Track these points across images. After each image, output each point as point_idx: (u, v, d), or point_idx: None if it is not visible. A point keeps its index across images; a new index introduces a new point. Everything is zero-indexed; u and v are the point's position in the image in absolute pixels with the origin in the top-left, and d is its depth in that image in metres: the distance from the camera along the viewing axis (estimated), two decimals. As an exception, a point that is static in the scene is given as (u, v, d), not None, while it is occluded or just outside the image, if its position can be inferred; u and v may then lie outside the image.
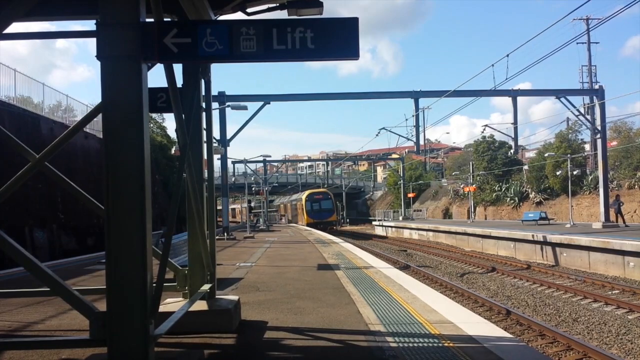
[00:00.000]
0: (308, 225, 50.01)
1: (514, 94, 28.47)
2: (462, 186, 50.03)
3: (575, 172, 31.59)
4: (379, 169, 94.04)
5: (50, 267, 8.60)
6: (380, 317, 6.79)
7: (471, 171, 45.76)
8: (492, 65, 20.96)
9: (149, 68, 4.58)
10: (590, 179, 38.27)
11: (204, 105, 6.92)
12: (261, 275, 11.62)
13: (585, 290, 14.96)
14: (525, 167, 45.75)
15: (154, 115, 39.78)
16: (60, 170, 5.43)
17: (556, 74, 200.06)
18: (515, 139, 29.59)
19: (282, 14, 7.03)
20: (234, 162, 56.45)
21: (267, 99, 28.43)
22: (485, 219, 48.91)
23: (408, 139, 39.57)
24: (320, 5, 6.84)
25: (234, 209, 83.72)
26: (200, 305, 6.27)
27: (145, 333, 4.03)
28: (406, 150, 71.98)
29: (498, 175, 49.24)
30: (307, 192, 55.79)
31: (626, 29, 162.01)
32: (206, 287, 6.36)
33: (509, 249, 26.13)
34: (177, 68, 6.25)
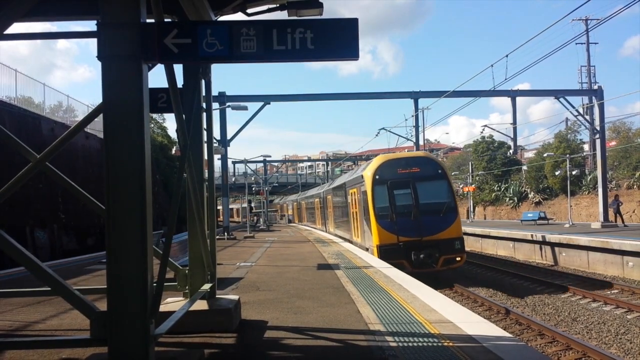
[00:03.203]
0: (381, 250, 16.31)
1: (513, 95, 28.48)
2: (461, 186, 50.07)
3: (574, 172, 31.63)
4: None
5: (51, 267, 8.61)
6: (380, 317, 6.80)
7: (470, 171, 45.83)
8: (492, 65, 20.85)
9: (150, 68, 4.60)
10: (589, 179, 38.32)
11: (204, 105, 6.94)
12: (261, 275, 11.63)
13: (584, 289, 14.98)
14: (525, 167, 45.81)
15: (154, 115, 39.83)
16: (61, 170, 5.44)
17: (555, 75, 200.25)
18: (515, 139, 29.59)
19: (282, 15, 7.05)
20: (234, 162, 56.36)
21: (267, 99, 28.44)
22: (485, 218, 48.96)
23: (408, 139, 39.22)
24: (320, 5, 6.86)
25: (237, 209, 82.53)
26: (201, 305, 6.28)
27: (146, 333, 4.04)
28: (406, 151, 71.87)
29: (497, 175, 49.29)
30: (378, 161, 18.22)
31: (625, 30, 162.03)
32: (206, 286, 6.38)
33: (508, 249, 26.15)
34: (178, 68, 6.27)
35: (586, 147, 42.80)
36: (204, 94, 6.94)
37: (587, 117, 28.81)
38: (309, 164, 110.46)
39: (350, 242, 21.81)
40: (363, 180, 18.06)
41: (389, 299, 8.07)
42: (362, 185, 18.31)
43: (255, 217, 55.90)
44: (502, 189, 48.27)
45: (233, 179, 56.76)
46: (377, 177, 17.13)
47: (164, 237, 5.24)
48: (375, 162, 17.90)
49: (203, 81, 6.87)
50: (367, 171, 17.88)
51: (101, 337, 4.09)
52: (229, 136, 28.89)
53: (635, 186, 35.10)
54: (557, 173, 37.90)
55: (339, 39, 4.31)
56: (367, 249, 17.65)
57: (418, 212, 16.48)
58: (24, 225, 19.38)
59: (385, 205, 16.78)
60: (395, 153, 22.11)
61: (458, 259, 16.64)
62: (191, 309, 5.60)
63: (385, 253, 15.86)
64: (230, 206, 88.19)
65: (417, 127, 29.97)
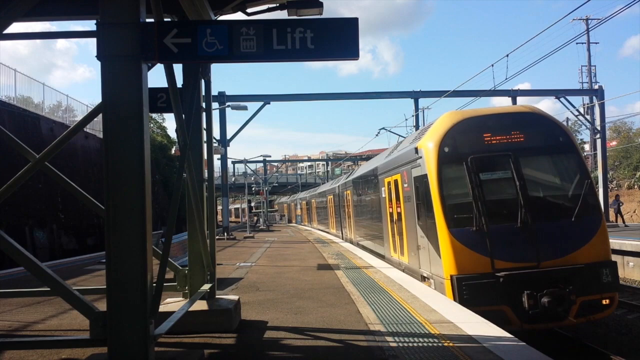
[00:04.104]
0: (462, 286, 8.29)
1: (513, 94, 28.49)
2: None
3: (575, 172, 31.56)
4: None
5: (51, 267, 8.61)
6: (380, 317, 6.79)
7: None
8: (492, 65, 20.87)
9: (149, 68, 4.59)
10: (590, 178, 38.28)
11: (204, 105, 6.93)
12: (261, 275, 11.62)
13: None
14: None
15: (154, 115, 39.85)
16: (61, 170, 5.44)
17: (556, 74, 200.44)
18: (515, 139, 29.49)
19: (282, 14, 7.05)
20: (234, 162, 56.23)
21: (267, 99, 28.49)
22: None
23: (408, 139, 39.09)
24: (320, 5, 6.85)
25: (242, 209, 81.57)
26: (201, 305, 6.28)
27: (146, 333, 4.04)
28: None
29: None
30: (448, 121, 9.68)
31: (625, 29, 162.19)
32: (206, 287, 6.37)
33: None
34: (177, 68, 6.27)
35: (587, 146, 42.82)
36: (203, 93, 6.93)
37: (588, 117, 28.82)
38: (309, 164, 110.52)
39: (385, 259, 13.89)
40: (418, 158, 9.98)
41: (389, 299, 8.06)
42: (414, 166, 10.38)
43: (255, 217, 55.73)
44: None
45: (233, 179, 56.78)
46: (446, 149, 9.31)
47: (164, 237, 5.23)
48: (444, 123, 9.70)
49: (203, 81, 6.86)
50: (428, 140, 9.73)
51: (101, 337, 4.09)
52: (228, 136, 28.92)
53: (635, 186, 35.14)
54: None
55: (339, 39, 4.31)
56: (423, 279, 10.08)
57: (529, 215, 8.70)
58: (23, 225, 19.38)
59: (464, 201, 9.03)
60: (478, 108, 11.02)
61: (606, 301, 8.67)
62: (191, 309, 5.59)
63: (470, 292, 8.32)
64: (235, 206, 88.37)
65: (417, 127, 29.93)
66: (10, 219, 18.10)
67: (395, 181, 12.26)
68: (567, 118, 43.75)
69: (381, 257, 14.60)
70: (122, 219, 4.07)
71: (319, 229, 36.28)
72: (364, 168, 19.67)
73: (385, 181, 13.46)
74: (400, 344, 5.45)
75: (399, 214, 12.06)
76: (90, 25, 8.67)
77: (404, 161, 11.38)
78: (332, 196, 29.27)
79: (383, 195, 13.88)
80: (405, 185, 11.28)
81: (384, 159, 14.38)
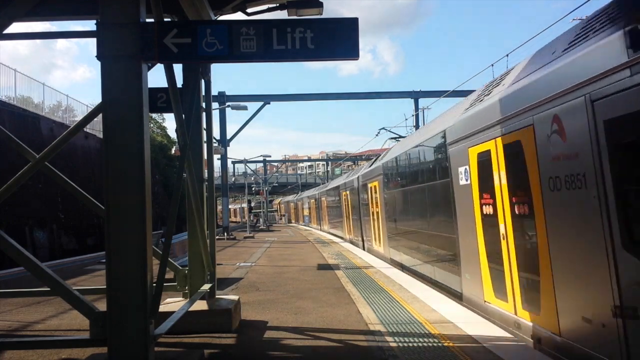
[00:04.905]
0: None
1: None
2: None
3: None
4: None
5: (51, 267, 8.60)
6: (380, 317, 6.79)
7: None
8: (492, 65, 20.84)
9: (149, 68, 4.60)
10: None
11: (204, 105, 6.94)
12: (261, 275, 11.62)
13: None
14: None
15: (154, 115, 39.84)
16: (61, 170, 5.44)
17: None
18: (515, 139, 29.41)
19: (282, 14, 7.05)
20: (234, 162, 56.23)
21: (267, 99, 28.53)
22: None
23: (408, 139, 38.72)
24: (320, 5, 6.85)
25: (240, 209, 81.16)
26: (201, 305, 6.28)
27: (145, 333, 4.04)
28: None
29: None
30: None
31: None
32: (206, 287, 6.37)
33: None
34: (177, 68, 6.28)
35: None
36: (203, 93, 6.94)
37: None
38: (309, 164, 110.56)
39: (465, 301, 7.74)
40: None
41: (390, 299, 8.06)
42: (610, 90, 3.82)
43: (255, 218, 55.59)
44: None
45: (233, 179, 56.76)
46: None
47: (164, 237, 5.24)
48: None
49: (203, 81, 6.87)
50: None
51: (101, 337, 4.09)
52: (228, 136, 28.95)
53: (635, 186, 35.05)
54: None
55: (339, 39, 4.31)
56: None
57: None
58: (23, 225, 19.38)
59: None
60: None
61: None
62: (191, 309, 5.60)
63: None
64: (236, 206, 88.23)
65: (417, 127, 29.93)
66: (10, 219, 18.10)
67: (509, 147, 5.92)
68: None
69: (453, 294, 8.28)
70: (122, 219, 4.07)
71: (335, 234, 28.55)
72: (405, 144, 12.22)
73: (471, 153, 7.20)
74: (400, 344, 5.45)
75: (522, 218, 5.74)
76: (90, 25, 8.68)
77: (555, 92, 4.76)
78: (348, 192, 21.73)
79: (463, 181, 7.57)
80: (558, 149, 4.77)
81: (463, 113, 7.73)
